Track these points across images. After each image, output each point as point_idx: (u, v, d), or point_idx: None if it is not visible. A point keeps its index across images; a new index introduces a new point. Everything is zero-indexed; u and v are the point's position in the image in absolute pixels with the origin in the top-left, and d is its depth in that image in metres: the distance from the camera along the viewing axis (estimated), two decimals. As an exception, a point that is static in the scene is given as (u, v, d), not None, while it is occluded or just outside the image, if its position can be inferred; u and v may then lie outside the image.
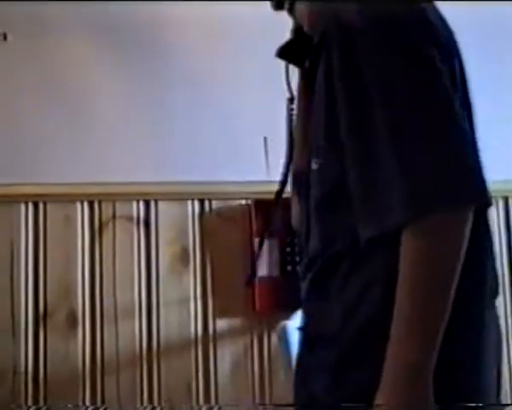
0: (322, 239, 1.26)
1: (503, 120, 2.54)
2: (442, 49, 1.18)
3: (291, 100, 1.41)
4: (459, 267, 1.11)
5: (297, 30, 1.39)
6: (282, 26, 1.42)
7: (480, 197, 1.14)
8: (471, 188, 1.13)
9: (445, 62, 1.18)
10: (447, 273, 1.11)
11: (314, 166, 1.26)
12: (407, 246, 1.12)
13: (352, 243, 1.19)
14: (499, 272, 1.33)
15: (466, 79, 1.28)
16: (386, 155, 1.13)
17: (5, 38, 2.48)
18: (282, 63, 1.40)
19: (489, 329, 1.23)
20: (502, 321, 1.31)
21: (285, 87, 1.41)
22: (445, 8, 1.28)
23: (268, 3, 1.41)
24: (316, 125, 1.26)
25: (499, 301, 1.29)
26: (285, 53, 1.40)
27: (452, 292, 1.11)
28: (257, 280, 2.42)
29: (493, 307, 1.27)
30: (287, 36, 1.41)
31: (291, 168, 1.40)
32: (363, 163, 1.16)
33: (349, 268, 1.21)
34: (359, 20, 1.17)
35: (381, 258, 1.18)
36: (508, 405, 2.12)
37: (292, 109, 1.41)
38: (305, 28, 1.35)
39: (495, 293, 1.27)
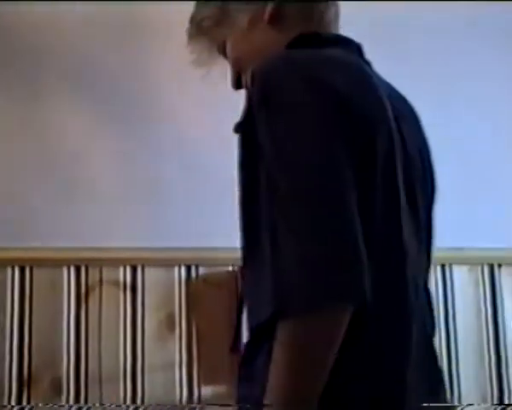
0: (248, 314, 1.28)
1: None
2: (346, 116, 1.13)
3: None
4: (327, 360, 1.06)
5: None
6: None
7: (347, 298, 1.05)
8: (343, 286, 1.04)
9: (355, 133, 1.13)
10: (311, 367, 1.06)
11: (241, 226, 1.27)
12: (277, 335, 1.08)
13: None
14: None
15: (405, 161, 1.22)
16: (267, 237, 1.11)
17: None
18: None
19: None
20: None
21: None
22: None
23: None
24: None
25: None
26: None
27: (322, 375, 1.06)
28: (242, 346, 2.41)
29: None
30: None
31: None
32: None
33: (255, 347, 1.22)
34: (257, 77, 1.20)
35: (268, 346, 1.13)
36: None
37: None
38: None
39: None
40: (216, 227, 2.46)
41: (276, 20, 1.40)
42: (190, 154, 2.56)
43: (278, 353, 1.07)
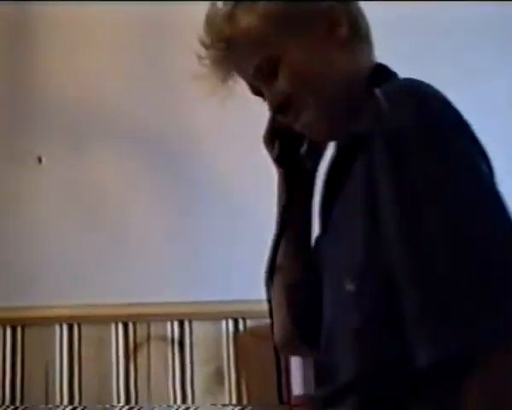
0: (359, 368, 1.08)
1: None
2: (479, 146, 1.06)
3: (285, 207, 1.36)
4: None
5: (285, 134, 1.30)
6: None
7: None
8: None
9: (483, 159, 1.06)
10: None
11: (350, 288, 1.09)
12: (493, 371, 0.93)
13: (402, 371, 1.01)
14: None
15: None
16: (455, 258, 0.96)
17: (40, 161, 2.54)
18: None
19: None
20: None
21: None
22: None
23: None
24: (348, 242, 1.12)
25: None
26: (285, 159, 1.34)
27: None
28: (292, 399, 2.38)
29: None
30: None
31: None
32: (422, 273, 0.98)
33: (398, 403, 1.03)
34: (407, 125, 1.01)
35: (444, 390, 0.98)
36: None
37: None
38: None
39: None
40: (261, 278, 2.44)
41: (350, 40, 1.21)
42: (232, 204, 2.57)
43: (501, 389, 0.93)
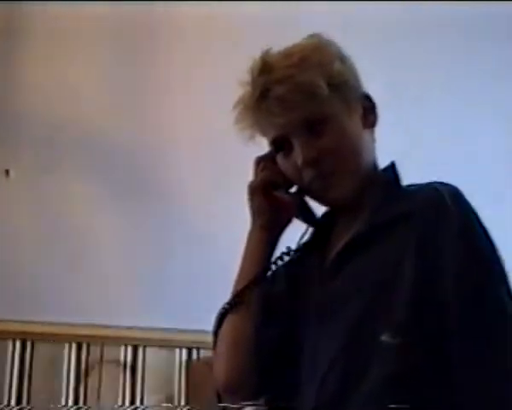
0: None
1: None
2: None
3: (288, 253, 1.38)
4: None
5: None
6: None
7: None
8: None
9: None
10: None
11: (390, 340, 1.16)
12: None
13: None
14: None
15: None
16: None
17: (7, 174, 2.53)
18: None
19: None
20: None
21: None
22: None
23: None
24: (392, 297, 1.18)
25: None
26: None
27: None
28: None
29: None
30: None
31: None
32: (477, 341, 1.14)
33: None
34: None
35: None
36: None
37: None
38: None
39: None
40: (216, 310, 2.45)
41: (373, 129, 1.36)
42: (195, 237, 2.58)
43: None
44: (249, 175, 1.38)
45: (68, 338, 2.45)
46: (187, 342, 2.51)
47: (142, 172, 2.62)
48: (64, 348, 2.44)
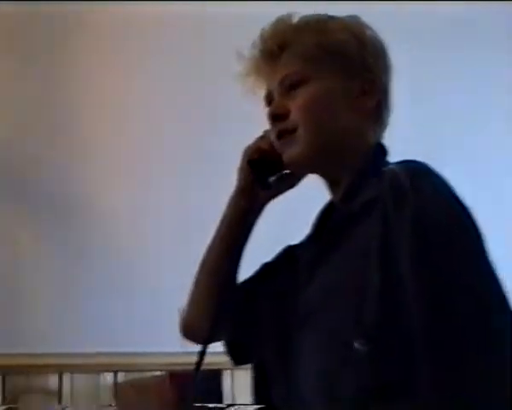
0: None
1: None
2: None
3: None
4: None
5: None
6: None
7: None
8: None
9: None
10: None
11: (360, 347, 1.10)
12: None
13: None
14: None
15: None
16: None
17: None
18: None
19: None
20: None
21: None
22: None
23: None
24: (357, 299, 1.13)
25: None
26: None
27: None
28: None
29: None
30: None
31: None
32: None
33: None
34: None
35: None
36: None
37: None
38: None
39: None
40: (147, 332, 2.47)
41: (370, 115, 1.30)
42: (122, 259, 2.59)
43: None
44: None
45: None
46: (112, 365, 2.50)
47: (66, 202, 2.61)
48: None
